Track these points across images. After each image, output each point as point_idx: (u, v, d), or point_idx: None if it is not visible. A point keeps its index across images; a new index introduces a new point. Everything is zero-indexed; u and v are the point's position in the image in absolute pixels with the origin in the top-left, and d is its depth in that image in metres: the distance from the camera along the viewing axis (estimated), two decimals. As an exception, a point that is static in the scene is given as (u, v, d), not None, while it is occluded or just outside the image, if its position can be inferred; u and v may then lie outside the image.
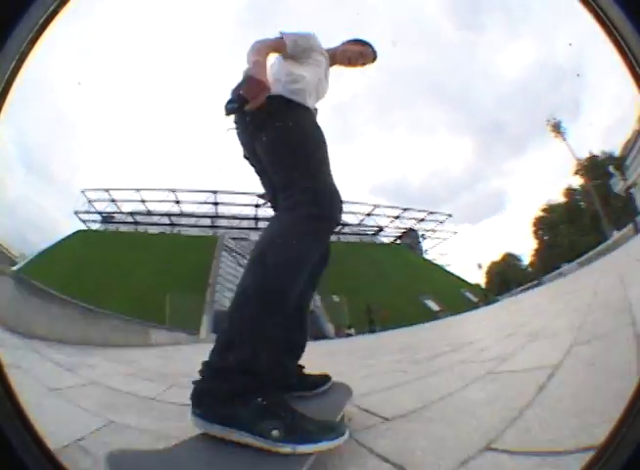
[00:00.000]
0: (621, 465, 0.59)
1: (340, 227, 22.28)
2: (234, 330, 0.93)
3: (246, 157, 1.45)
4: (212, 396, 0.86)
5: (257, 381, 0.88)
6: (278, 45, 1.37)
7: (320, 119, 1.47)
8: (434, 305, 17.40)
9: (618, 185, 17.80)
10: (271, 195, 1.40)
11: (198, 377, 0.93)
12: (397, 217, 23.52)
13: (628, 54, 0.67)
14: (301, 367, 1.41)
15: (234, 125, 1.37)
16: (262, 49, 1.28)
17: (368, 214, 23.26)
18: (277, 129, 1.20)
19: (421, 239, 24.61)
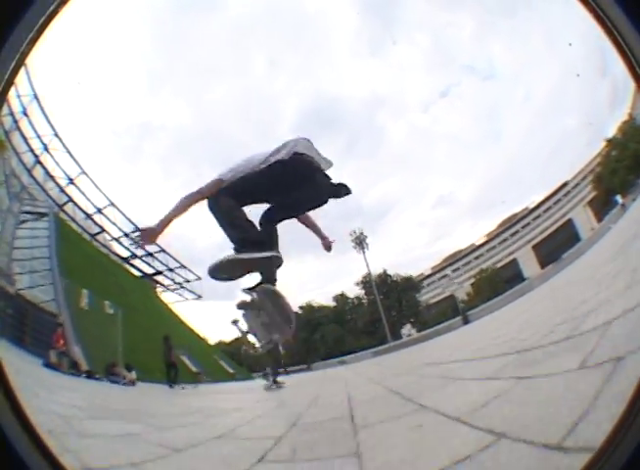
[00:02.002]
0: (621, 465, 0.59)
1: (100, 232, 19.64)
2: None
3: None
4: None
5: None
6: None
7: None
8: (191, 365, 13.72)
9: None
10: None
11: None
12: (151, 254, 20.98)
13: (628, 54, 0.67)
14: None
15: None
16: None
17: (126, 235, 19.75)
18: None
19: (162, 288, 22.05)
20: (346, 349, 19.86)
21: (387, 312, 20.56)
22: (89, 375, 7.55)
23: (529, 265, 18.62)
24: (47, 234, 14.63)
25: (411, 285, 21.96)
